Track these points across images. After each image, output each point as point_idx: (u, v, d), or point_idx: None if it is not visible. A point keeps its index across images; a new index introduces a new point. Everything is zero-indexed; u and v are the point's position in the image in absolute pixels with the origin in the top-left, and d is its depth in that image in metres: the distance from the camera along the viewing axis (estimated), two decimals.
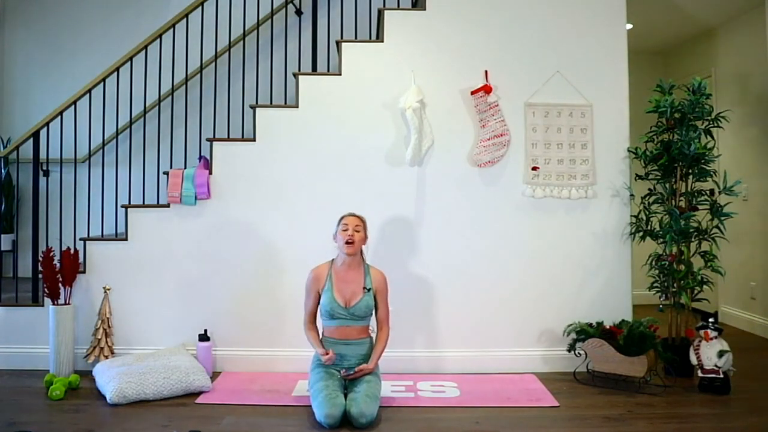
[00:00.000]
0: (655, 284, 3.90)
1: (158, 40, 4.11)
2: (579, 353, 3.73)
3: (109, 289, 3.90)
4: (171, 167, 4.07)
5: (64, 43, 5.16)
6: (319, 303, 3.33)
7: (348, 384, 3.19)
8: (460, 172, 3.97)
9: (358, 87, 3.97)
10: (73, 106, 4.02)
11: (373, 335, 3.36)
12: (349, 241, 3.25)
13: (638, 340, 3.52)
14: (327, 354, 3.16)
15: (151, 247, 3.93)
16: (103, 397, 3.34)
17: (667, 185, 3.87)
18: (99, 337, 3.80)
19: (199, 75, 4.38)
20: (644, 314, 3.75)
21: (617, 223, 3.99)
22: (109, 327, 3.85)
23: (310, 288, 3.33)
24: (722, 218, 3.75)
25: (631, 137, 4.04)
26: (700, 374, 3.52)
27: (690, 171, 3.82)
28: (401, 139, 3.95)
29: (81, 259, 3.92)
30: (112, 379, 3.33)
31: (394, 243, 3.93)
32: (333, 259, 3.38)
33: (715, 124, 3.89)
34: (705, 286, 3.81)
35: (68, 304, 3.75)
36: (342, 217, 3.34)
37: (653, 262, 3.88)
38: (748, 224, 4.97)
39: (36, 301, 3.95)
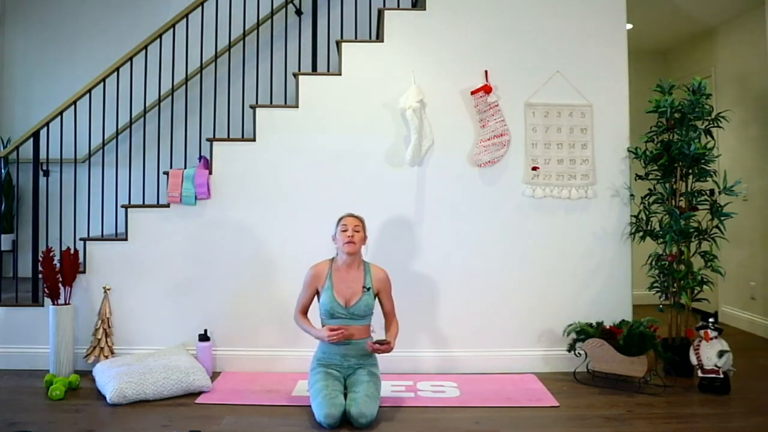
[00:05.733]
0: (655, 284, 3.90)
1: (158, 40, 4.11)
2: (579, 353, 3.73)
3: (109, 289, 3.90)
4: (171, 167, 4.07)
5: (64, 43, 5.16)
6: (313, 299, 3.34)
7: (348, 384, 3.19)
8: (460, 172, 3.97)
9: (358, 87, 3.97)
10: (73, 106, 4.02)
11: (373, 335, 3.36)
12: (350, 241, 3.25)
13: (638, 340, 3.52)
14: (331, 333, 3.14)
15: (151, 247, 3.93)
16: (103, 397, 3.34)
17: (667, 185, 3.87)
18: (99, 337, 3.80)
19: (199, 75, 4.38)
20: (644, 314, 3.75)
21: (617, 223, 3.99)
22: (109, 327, 3.85)
23: (308, 283, 3.33)
24: (722, 218, 3.75)
25: (631, 137, 4.04)
26: (700, 374, 3.52)
27: (690, 171, 3.83)
28: (401, 139, 3.95)
29: (81, 259, 3.91)
30: (112, 379, 3.33)
31: (393, 243, 3.93)
32: (333, 258, 3.38)
33: (715, 124, 3.89)
34: (705, 286, 3.81)
35: (68, 304, 3.75)
36: (341, 218, 3.34)
37: (653, 262, 3.89)
38: (748, 224, 4.97)
39: (36, 301, 3.95)
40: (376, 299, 3.35)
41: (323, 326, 3.29)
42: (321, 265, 3.36)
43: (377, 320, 3.39)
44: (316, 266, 3.35)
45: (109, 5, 5.16)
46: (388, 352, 3.23)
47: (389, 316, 3.39)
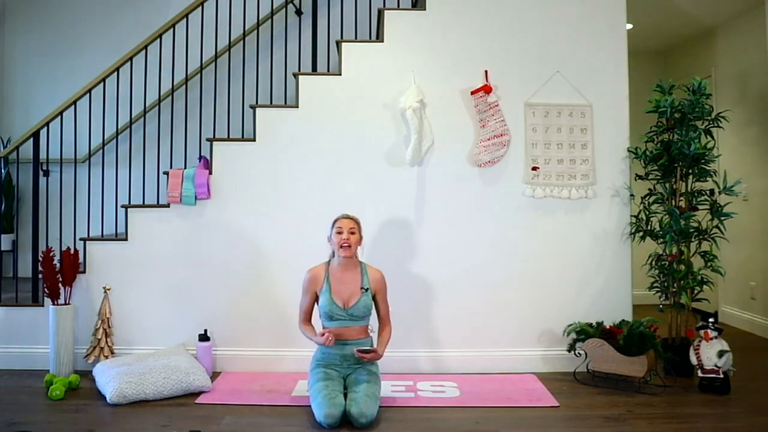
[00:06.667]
0: (655, 284, 3.90)
1: (158, 40, 4.11)
2: (579, 353, 3.73)
3: (109, 289, 3.90)
4: (171, 167, 4.07)
5: (64, 43, 5.16)
6: (314, 303, 3.34)
7: (348, 384, 3.19)
8: (460, 172, 3.97)
9: (358, 87, 3.97)
10: (73, 106, 4.02)
11: (372, 335, 3.36)
12: (346, 244, 3.24)
13: (638, 340, 3.52)
14: (324, 335, 3.15)
15: (151, 247, 3.93)
16: (103, 397, 3.34)
17: (667, 185, 3.87)
18: (99, 337, 3.80)
19: (199, 75, 4.38)
20: (644, 314, 3.75)
21: (617, 223, 3.99)
22: (109, 327, 3.85)
23: (306, 288, 3.33)
24: (722, 218, 3.75)
25: (631, 137, 4.04)
26: (700, 374, 3.52)
27: (690, 171, 3.83)
28: (401, 139, 3.95)
29: (81, 259, 3.91)
30: (112, 379, 3.33)
31: (394, 243, 3.93)
32: (329, 260, 3.38)
33: (715, 124, 3.89)
34: (705, 286, 3.81)
35: (68, 304, 3.75)
36: (336, 220, 3.33)
37: (653, 262, 3.88)
38: (748, 224, 4.97)
39: (36, 301, 3.95)
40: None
41: (324, 328, 3.29)
42: (317, 268, 3.35)
43: (375, 320, 3.39)
44: (312, 270, 3.35)
45: (109, 5, 5.16)
46: (376, 360, 3.24)
47: (383, 321, 3.38)
